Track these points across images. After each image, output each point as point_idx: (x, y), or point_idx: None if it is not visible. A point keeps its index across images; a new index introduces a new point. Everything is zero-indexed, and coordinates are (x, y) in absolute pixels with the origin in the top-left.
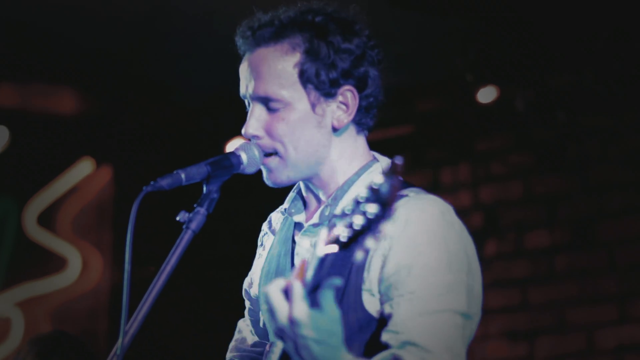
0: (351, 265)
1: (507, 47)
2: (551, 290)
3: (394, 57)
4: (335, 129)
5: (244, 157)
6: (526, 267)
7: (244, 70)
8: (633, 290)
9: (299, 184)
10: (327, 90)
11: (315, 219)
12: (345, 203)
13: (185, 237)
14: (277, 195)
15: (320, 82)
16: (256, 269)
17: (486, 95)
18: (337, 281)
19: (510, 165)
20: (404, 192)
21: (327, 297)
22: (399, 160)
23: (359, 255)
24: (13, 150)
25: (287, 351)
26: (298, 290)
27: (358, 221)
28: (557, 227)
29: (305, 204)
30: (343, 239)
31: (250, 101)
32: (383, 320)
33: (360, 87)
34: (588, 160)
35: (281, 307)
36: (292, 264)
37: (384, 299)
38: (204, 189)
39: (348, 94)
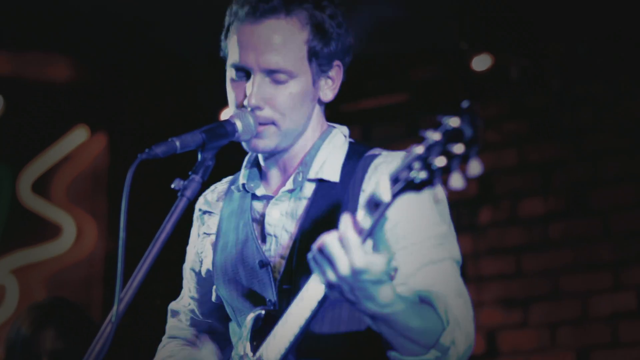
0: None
1: (502, 15)
2: (546, 258)
3: (388, 25)
4: (320, 103)
5: (239, 124)
6: (521, 234)
7: (249, 39)
8: (627, 258)
9: (251, 158)
10: (325, 66)
11: (289, 186)
12: (317, 167)
13: (180, 205)
14: None
15: (323, 57)
16: (203, 247)
17: (481, 63)
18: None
19: (505, 133)
20: (373, 152)
21: (383, 240)
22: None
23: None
24: (7, 118)
25: (342, 294)
26: (355, 240)
27: (440, 163)
28: (551, 195)
29: (261, 177)
30: (418, 180)
31: (251, 71)
32: None
33: (344, 61)
34: (582, 128)
35: (341, 259)
36: (264, 234)
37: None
38: (199, 156)
39: (336, 69)
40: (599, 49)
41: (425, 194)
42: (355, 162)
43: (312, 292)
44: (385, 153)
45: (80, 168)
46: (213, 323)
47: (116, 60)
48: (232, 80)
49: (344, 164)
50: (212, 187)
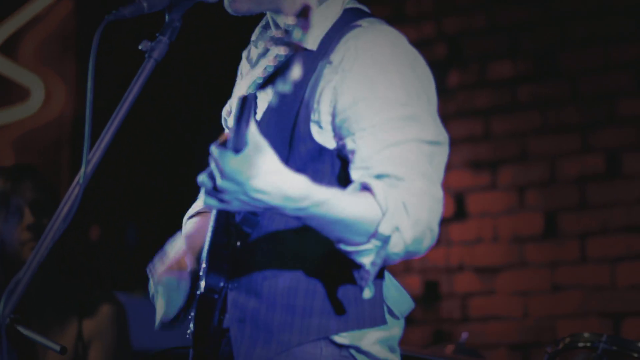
0: (302, 97)
1: None
2: (514, 120)
3: None
4: None
5: None
6: (489, 97)
7: None
8: (596, 120)
9: (266, 16)
10: None
11: None
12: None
13: (147, 66)
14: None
15: None
16: (234, 98)
17: None
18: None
19: None
20: (359, 22)
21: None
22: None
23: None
24: None
25: (243, 203)
26: (214, 150)
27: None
28: (520, 58)
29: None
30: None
31: None
32: (339, 152)
33: None
34: None
35: (216, 172)
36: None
37: (343, 133)
38: (166, 17)
39: None
40: None
41: (390, 72)
42: (339, 30)
43: None
44: (365, 25)
45: (48, 30)
46: None
47: None
48: None
49: (328, 31)
50: None
